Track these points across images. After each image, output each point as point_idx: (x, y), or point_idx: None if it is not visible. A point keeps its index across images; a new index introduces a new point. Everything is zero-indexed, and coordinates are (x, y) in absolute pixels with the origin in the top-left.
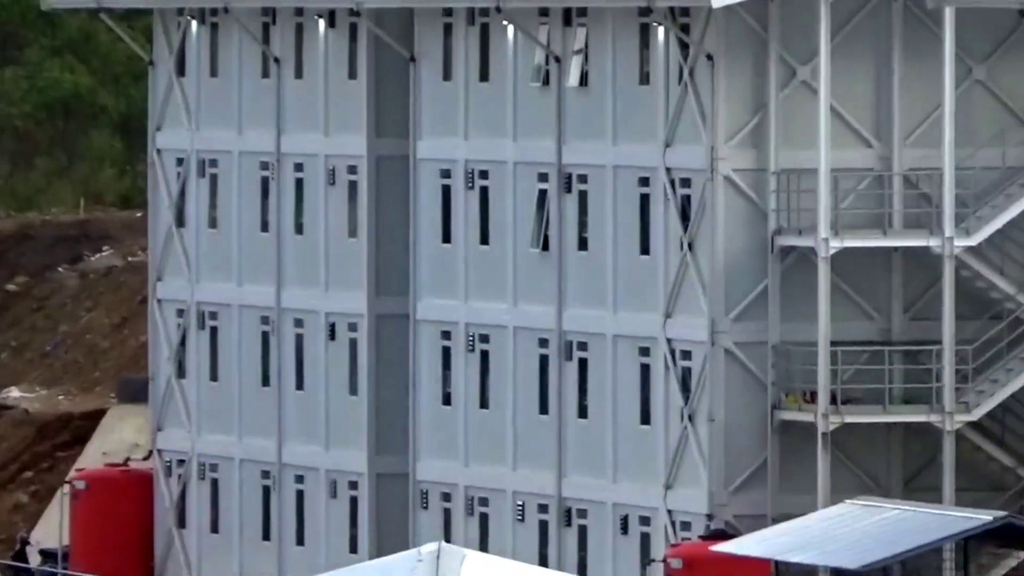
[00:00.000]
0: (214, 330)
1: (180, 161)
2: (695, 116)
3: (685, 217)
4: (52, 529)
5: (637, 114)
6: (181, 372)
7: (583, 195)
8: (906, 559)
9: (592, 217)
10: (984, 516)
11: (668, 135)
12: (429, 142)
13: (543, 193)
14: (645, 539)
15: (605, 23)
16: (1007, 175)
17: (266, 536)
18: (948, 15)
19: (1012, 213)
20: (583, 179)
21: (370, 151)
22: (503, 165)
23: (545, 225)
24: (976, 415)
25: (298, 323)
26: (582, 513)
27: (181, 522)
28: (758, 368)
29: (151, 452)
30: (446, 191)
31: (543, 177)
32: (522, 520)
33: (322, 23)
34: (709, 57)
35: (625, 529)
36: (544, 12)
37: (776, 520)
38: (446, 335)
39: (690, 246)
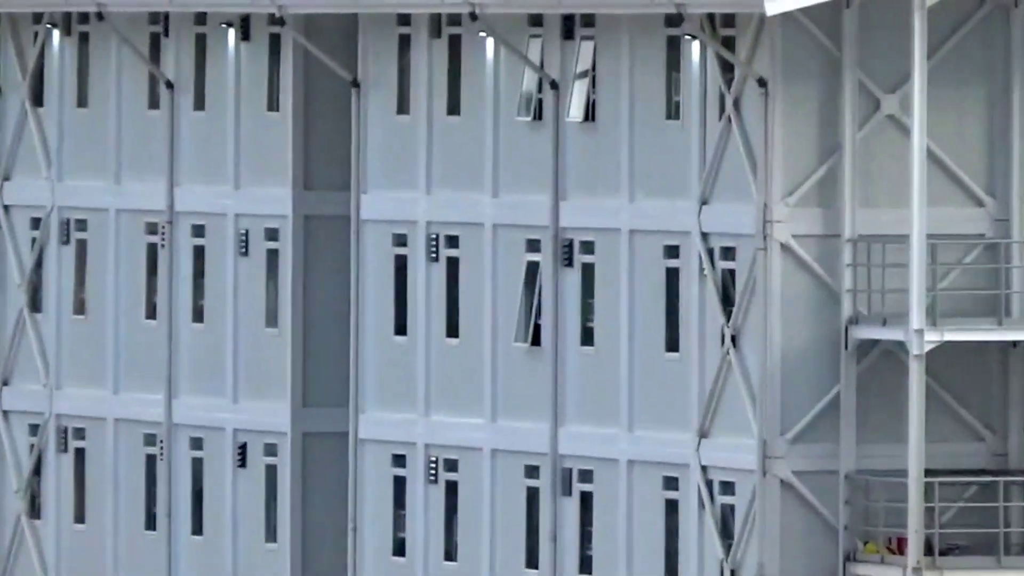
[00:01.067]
0: (80, 453)
1: (36, 222)
2: (742, 163)
3: (728, 301)
4: None
5: (663, 160)
6: (35, 510)
7: (588, 270)
8: None
9: (601, 300)
10: None
11: (705, 188)
12: (378, 197)
13: (533, 267)
14: None
15: (619, 36)
16: None
17: None
18: None
19: None
20: (588, 248)
21: (297, 209)
22: (479, 229)
23: (536, 311)
24: None
25: (196, 444)
26: None
27: None
28: (826, 506)
29: None
30: (401, 264)
31: (533, 245)
32: None
33: (232, 35)
34: (761, 83)
35: None
36: (536, 20)
37: None
38: (399, 460)
39: (734, 340)
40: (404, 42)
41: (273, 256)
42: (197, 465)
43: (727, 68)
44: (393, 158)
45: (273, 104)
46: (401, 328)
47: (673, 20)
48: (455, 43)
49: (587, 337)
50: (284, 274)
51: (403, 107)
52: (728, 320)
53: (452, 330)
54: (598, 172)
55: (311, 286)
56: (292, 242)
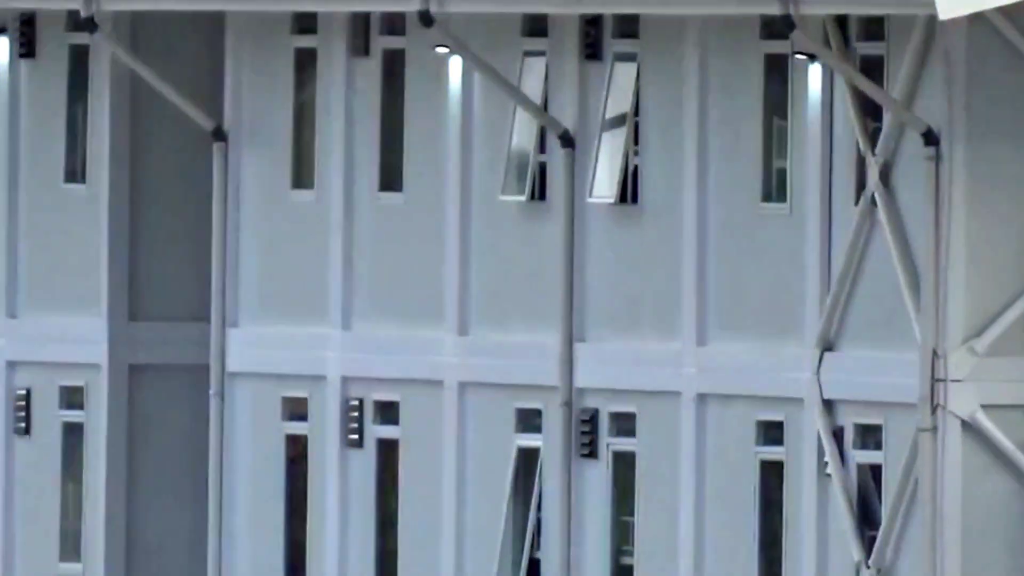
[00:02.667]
0: None
1: None
2: (894, 280)
3: (869, 520)
4: None
5: (756, 273)
6: None
7: (625, 464)
8: None
9: (647, 517)
10: None
11: (830, 324)
12: (257, 334)
13: (529, 458)
14: None
15: (682, 54)
16: None
17: None
18: None
19: None
20: (626, 425)
21: (116, 353)
22: (434, 390)
23: (534, 536)
24: None
25: None
26: None
27: None
28: None
29: None
30: (298, 452)
31: (530, 420)
32: None
33: (5, 46)
34: (931, 138)
35: None
36: (536, 27)
37: None
38: None
39: None
40: (304, 63)
41: (75, 435)
42: None
43: (870, 112)
44: (284, 267)
45: (76, 170)
46: (297, 567)
47: (776, 27)
48: (394, 65)
49: None
50: (94, 466)
51: (302, 176)
52: (869, 555)
53: (387, 568)
54: (642, 293)
55: (140, 489)
56: (108, 411)
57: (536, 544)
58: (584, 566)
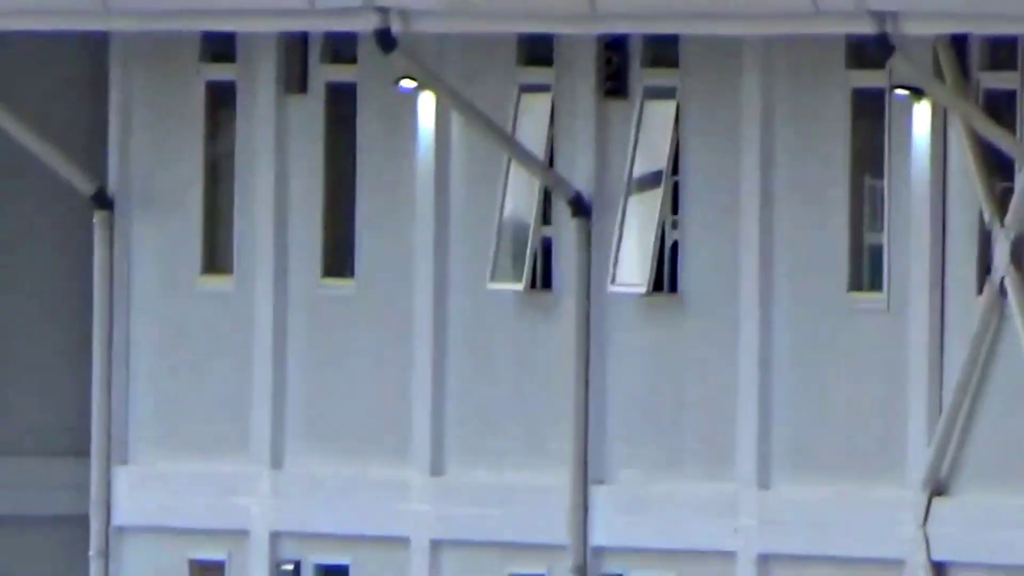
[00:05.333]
0: None
1: None
2: None
3: None
4: None
5: (840, 391)
6: None
7: None
8: None
9: None
10: None
11: (941, 461)
12: (153, 474)
13: None
14: None
15: (736, 87)
16: None
17: None
18: None
19: None
20: None
21: None
22: (398, 553)
23: None
24: None
25: None
26: None
27: None
28: None
29: None
30: None
31: None
32: None
33: None
34: None
35: None
36: (538, 53)
37: None
38: None
39: None
40: (219, 102)
41: None
42: None
43: (998, 167)
44: (192, 383)
45: None
46: None
47: (868, 52)
48: (341, 104)
49: None
50: None
51: (217, 256)
52: None
53: None
54: (684, 417)
55: None
56: None
57: None
58: None
